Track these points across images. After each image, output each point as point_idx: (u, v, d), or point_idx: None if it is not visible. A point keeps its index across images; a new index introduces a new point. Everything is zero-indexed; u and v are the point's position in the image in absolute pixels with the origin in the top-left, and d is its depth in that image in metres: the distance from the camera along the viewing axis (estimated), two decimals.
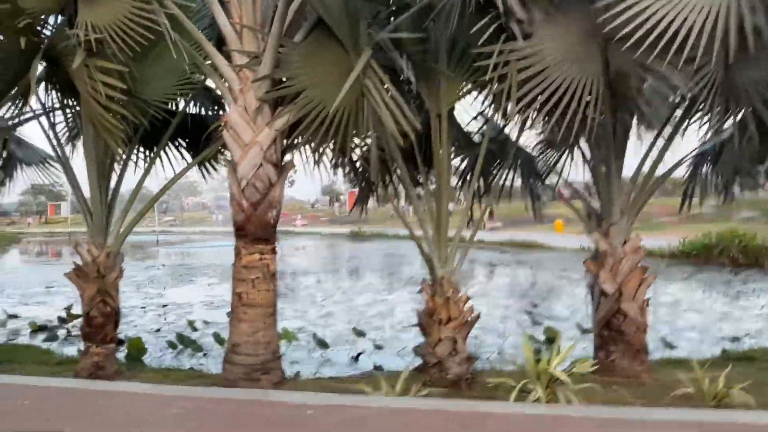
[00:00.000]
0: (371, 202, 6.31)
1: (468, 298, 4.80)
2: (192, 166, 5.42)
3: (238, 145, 4.47)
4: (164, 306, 10.31)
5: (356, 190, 6.37)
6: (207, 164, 6.32)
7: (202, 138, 6.08)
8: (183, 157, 6.22)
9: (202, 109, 6.25)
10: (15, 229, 47.94)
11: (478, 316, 4.80)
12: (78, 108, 5.08)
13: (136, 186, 5.31)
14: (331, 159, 5.42)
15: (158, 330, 8.31)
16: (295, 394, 4.18)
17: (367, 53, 3.81)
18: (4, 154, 6.44)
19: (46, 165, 7.22)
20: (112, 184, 5.27)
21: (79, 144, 6.46)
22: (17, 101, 5.41)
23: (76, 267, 5.00)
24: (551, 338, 7.02)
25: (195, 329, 7.73)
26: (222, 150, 6.00)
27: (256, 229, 4.47)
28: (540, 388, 3.74)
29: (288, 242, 28.29)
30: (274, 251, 4.62)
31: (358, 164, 5.78)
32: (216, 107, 6.40)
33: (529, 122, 4.77)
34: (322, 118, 4.27)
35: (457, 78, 4.77)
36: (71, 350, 7.00)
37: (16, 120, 6.05)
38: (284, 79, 4.57)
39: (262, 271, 4.49)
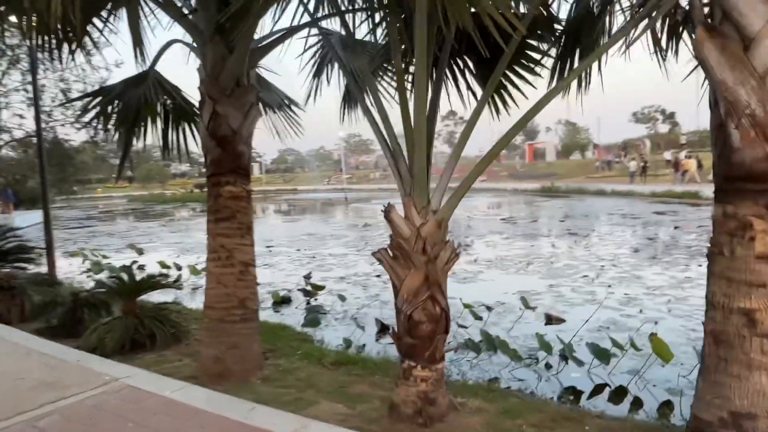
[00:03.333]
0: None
1: None
2: (572, 79, 3.19)
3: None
4: None
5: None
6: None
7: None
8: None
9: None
10: None
11: None
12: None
13: (467, 125, 3.29)
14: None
15: None
16: None
17: None
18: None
19: (287, 110, 5.81)
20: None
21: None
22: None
23: (392, 243, 3.20)
24: None
25: (478, 317, 5.80)
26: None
27: None
28: None
29: (476, 200, 26.12)
30: None
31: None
32: None
33: None
34: None
35: None
36: (333, 336, 5.62)
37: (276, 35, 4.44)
38: None
39: None
